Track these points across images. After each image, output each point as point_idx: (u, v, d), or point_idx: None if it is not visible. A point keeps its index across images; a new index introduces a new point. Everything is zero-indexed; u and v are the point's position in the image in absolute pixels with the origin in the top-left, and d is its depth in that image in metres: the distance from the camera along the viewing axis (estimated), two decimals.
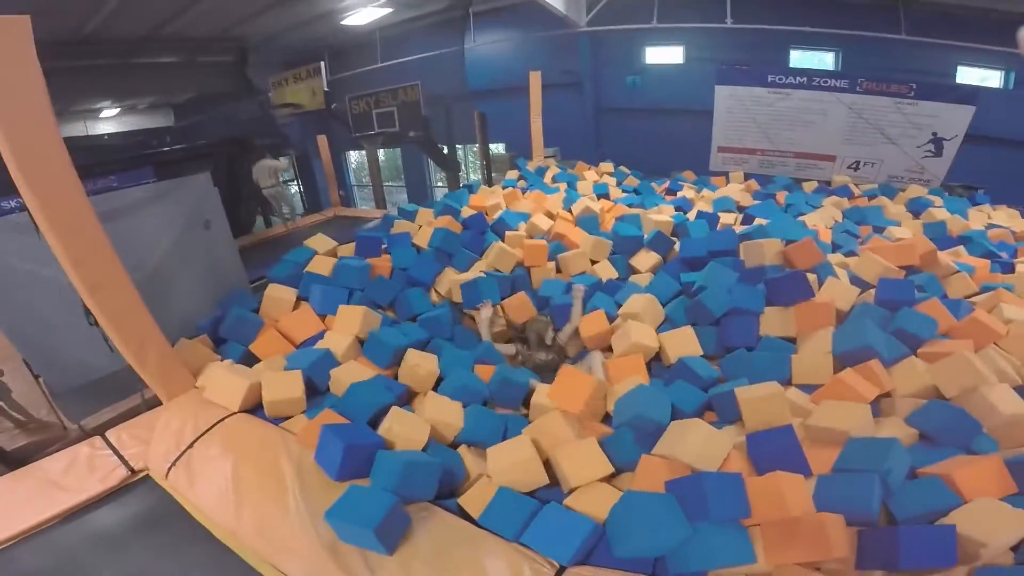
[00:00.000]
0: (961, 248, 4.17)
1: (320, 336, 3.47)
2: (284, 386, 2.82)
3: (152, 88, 9.88)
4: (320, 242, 4.49)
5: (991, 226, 4.98)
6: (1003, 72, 7.06)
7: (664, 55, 8.82)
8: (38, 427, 3.25)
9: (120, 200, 3.53)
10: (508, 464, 2.27)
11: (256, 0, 7.56)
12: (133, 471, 2.67)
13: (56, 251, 2.49)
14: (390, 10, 9.05)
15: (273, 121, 10.19)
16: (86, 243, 2.55)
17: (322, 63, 9.56)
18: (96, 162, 8.14)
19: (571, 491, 2.18)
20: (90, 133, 10.13)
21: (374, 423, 2.57)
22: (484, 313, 3.66)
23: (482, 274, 4.10)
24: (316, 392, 3.03)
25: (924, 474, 2.00)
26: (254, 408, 2.88)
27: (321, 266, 4.10)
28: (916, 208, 5.48)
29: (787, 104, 7.50)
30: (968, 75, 7.19)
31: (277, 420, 2.80)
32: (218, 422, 2.73)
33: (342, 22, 9.17)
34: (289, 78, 10.07)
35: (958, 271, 3.57)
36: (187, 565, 2.21)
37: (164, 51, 8.73)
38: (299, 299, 3.88)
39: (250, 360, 3.35)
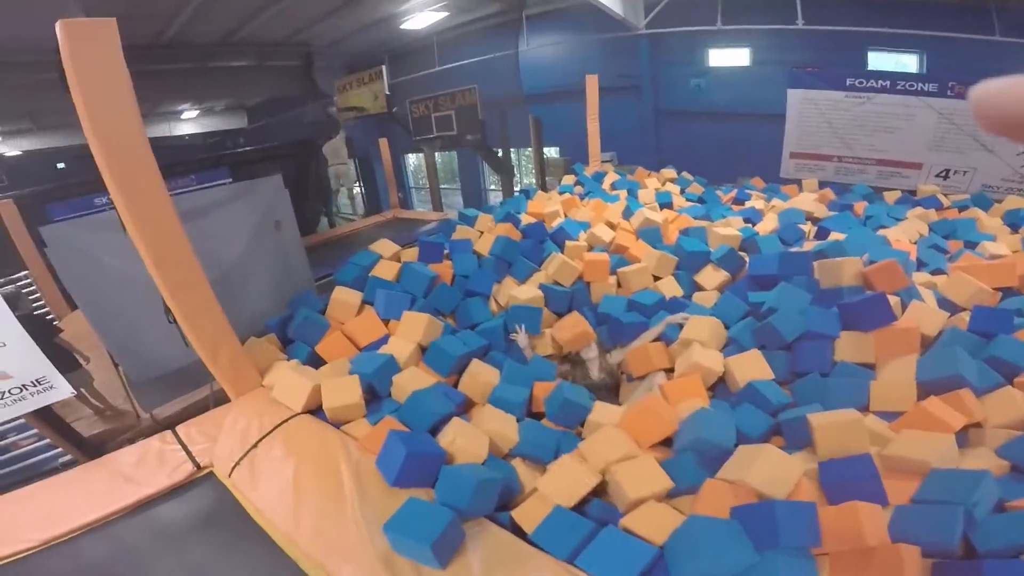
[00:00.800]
0: None
1: (384, 340, 3.58)
2: (343, 392, 2.89)
3: (227, 91, 10.52)
4: (384, 246, 4.63)
5: None
6: None
7: (729, 57, 8.49)
8: (114, 415, 3.60)
9: (199, 200, 3.81)
10: (562, 481, 2.26)
11: (321, 4, 7.91)
12: (199, 467, 2.74)
13: (140, 249, 2.64)
14: (446, 14, 9.24)
15: (338, 124, 10.63)
16: (168, 242, 2.69)
17: (383, 67, 9.84)
18: (177, 162, 8.79)
19: (627, 511, 2.12)
20: (172, 133, 10.89)
21: (433, 431, 2.63)
22: (520, 340, 3.69)
23: (536, 291, 4.07)
24: (377, 397, 3.12)
25: (1014, 508, 1.88)
26: (317, 409, 2.97)
27: (385, 271, 4.22)
28: (1014, 221, 4.99)
29: (867, 109, 7.01)
30: None
31: (338, 424, 2.87)
32: (282, 423, 2.82)
33: (401, 26, 9.45)
34: (353, 82, 10.45)
35: None
36: (240, 565, 2.25)
37: (237, 55, 9.30)
38: (364, 303, 3.99)
39: (316, 361, 3.46)
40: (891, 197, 6.08)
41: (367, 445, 2.55)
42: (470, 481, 2.08)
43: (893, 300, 3.05)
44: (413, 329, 3.47)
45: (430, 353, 3.32)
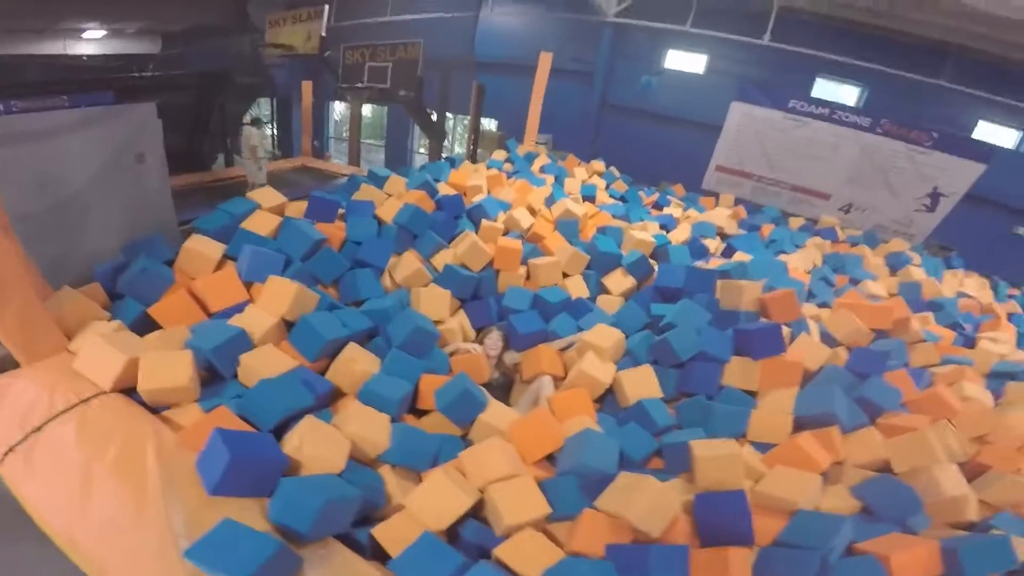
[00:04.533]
0: (931, 315, 4.17)
1: (241, 308, 2.88)
2: (168, 371, 2.26)
3: (143, 13, 9.04)
4: (266, 195, 3.88)
5: (961, 294, 5.02)
6: (1021, 133, 7.07)
7: (685, 61, 8.55)
8: None
9: (38, 123, 3.03)
10: (435, 500, 2.03)
11: None
12: None
13: None
14: None
15: (260, 61, 9.51)
16: None
17: (326, 6, 8.87)
18: (53, 80, 7.41)
19: (504, 534, 1.99)
20: (68, 53, 9.22)
21: (283, 428, 2.20)
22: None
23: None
24: (220, 378, 2.54)
25: (861, 550, 1.99)
26: (134, 387, 2.28)
27: (261, 224, 3.47)
28: (895, 263, 5.46)
29: (801, 133, 7.29)
30: (984, 129, 7.16)
31: (160, 408, 2.28)
32: (80, 403, 2.17)
33: None
34: (288, 18, 9.38)
35: (924, 340, 3.57)
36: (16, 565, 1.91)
37: None
38: (226, 258, 3.24)
39: (149, 325, 2.72)
40: (795, 223, 6.45)
41: (190, 439, 2.04)
42: (314, 502, 1.72)
43: (784, 331, 3.13)
44: (277, 298, 2.81)
45: (297, 330, 2.74)
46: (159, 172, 3.79)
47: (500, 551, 1.87)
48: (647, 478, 2.11)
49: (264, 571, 1.54)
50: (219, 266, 3.21)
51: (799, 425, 2.67)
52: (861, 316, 3.45)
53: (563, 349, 3.35)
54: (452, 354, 3.23)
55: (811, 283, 4.40)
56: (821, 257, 5.29)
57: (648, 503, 2.01)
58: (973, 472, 2.56)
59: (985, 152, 6.60)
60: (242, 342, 2.57)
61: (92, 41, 9.55)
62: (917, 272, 5.13)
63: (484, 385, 3.06)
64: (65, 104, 6.24)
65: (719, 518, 2.05)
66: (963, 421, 2.77)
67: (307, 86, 9.45)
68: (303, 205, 3.97)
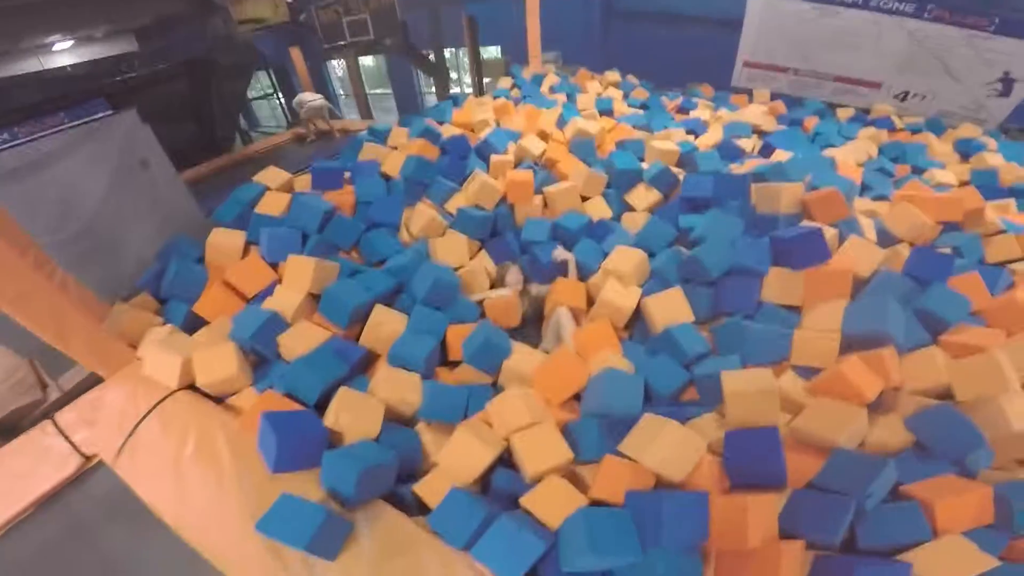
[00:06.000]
0: (1012, 202, 3.55)
1: (272, 290, 3.01)
2: (217, 365, 2.48)
3: (103, 16, 8.81)
4: (271, 175, 3.93)
5: None
6: None
7: None
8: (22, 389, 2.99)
9: (32, 153, 3.09)
10: (461, 456, 2.10)
11: None
12: (87, 457, 2.50)
13: None
14: None
15: (238, 38, 9.26)
16: None
17: None
18: (45, 98, 7.36)
19: (531, 481, 2.03)
20: (45, 67, 9.19)
21: (327, 400, 2.32)
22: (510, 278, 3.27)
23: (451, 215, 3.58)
24: (266, 360, 2.71)
25: (907, 493, 1.86)
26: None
27: (273, 204, 3.58)
28: (966, 150, 4.70)
29: (833, 22, 6.30)
30: None
31: (223, 397, 2.55)
32: (156, 404, 2.49)
33: None
34: None
35: (1004, 231, 3.04)
36: (154, 553, 2.17)
37: None
38: (249, 244, 3.40)
39: (197, 322, 2.97)
40: (844, 115, 5.71)
41: (249, 422, 2.22)
42: (352, 470, 1.89)
43: (830, 233, 2.80)
44: (299, 276, 2.92)
45: (324, 302, 2.82)
46: (167, 172, 3.90)
47: (525, 500, 1.90)
48: (669, 422, 1.98)
49: (318, 537, 1.75)
50: (245, 252, 3.36)
51: (849, 345, 2.33)
52: (925, 208, 3.02)
53: (578, 267, 3.23)
54: (481, 302, 3.16)
55: (866, 175, 3.87)
56: (876, 148, 4.65)
57: (669, 448, 1.92)
58: None
59: None
60: (276, 324, 2.69)
61: (66, 52, 9.48)
62: (993, 157, 4.40)
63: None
64: (64, 121, 6.31)
65: (749, 458, 1.92)
66: None
67: (296, 52, 9.13)
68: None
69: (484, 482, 2.15)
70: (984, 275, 2.57)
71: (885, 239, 2.98)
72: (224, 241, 3.31)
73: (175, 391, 2.55)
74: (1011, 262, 2.94)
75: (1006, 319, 2.38)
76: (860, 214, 3.13)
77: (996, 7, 5.76)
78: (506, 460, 2.19)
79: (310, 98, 7.77)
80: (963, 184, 4.03)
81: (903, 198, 3.18)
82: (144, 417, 2.46)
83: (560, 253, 3.26)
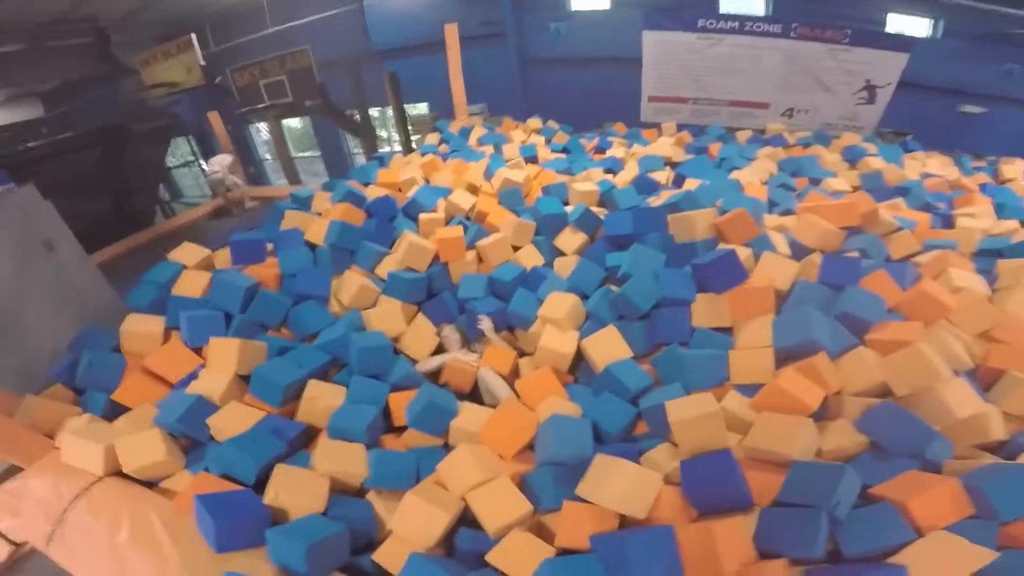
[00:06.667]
0: (900, 200, 3.91)
1: (197, 374, 2.91)
2: (143, 450, 2.41)
3: (4, 78, 8.43)
4: (187, 252, 3.76)
5: (926, 175, 4.77)
6: (931, 20, 6.98)
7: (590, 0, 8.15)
8: None
9: None
10: (415, 521, 2.03)
11: None
12: (17, 544, 2.54)
13: None
14: None
15: (150, 103, 8.99)
16: None
17: (192, 36, 8.34)
18: None
19: (495, 537, 1.99)
20: None
21: (266, 478, 2.25)
22: (485, 327, 3.23)
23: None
24: (198, 443, 2.63)
25: (876, 495, 1.83)
26: None
27: (191, 285, 3.42)
28: (852, 157, 5.22)
29: (718, 51, 7.09)
30: (897, 22, 7.06)
31: (155, 481, 2.46)
32: (82, 492, 2.40)
33: None
34: (157, 54, 8.81)
35: (900, 228, 3.32)
36: None
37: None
38: (170, 329, 3.25)
39: (118, 410, 2.83)
40: (743, 137, 6.18)
41: (185, 505, 2.16)
42: (300, 545, 1.83)
43: (745, 253, 2.94)
44: (224, 359, 2.85)
45: (254, 383, 2.76)
46: (75, 254, 3.63)
47: (491, 556, 1.87)
48: (620, 462, 1.95)
49: None
50: (166, 337, 3.21)
51: (783, 357, 2.41)
52: (827, 216, 3.24)
53: (510, 326, 3.30)
54: (436, 371, 3.11)
55: (770, 192, 4.16)
56: (776, 165, 5.05)
57: (624, 487, 1.88)
58: (988, 379, 2.30)
59: (904, 42, 6.55)
60: (203, 407, 2.61)
61: None
62: (876, 161, 4.89)
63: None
64: None
65: (708, 484, 1.90)
66: (960, 318, 2.48)
67: (214, 116, 8.97)
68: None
69: (448, 543, 2.09)
70: (892, 272, 2.74)
71: (798, 251, 3.16)
72: (140, 329, 3.17)
73: (101, 477, 2.45)
74: (912, 256, 3.19)
75: (921, 310, 2.52)
76: (771, 230, 3.31)
77: (847, 20, 6.61)
78: (469, 519, 2.13)
79: (213, 167, 7.56)
80: (855, 189, 4.40)
81: (807, 210, 3.41)
82: (71, 502, 2.38)
83: (484, 324, 3.24)
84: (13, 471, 2.67)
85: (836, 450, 2.05)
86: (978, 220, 3.67)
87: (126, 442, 2.42)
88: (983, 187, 4.61)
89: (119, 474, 2.46)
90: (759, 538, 1.75)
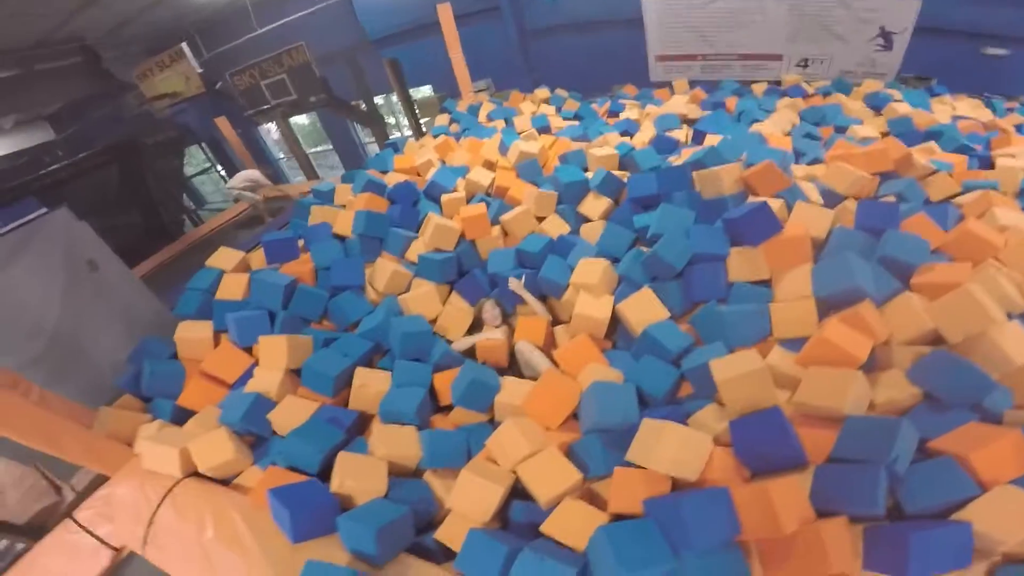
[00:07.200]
0: (933, 144, 3.75)
1: (252, 372, 3.05)
2: (213, 450, 2.55)
3: (6, 105, 8.52)
4: (225, 257, 3.86)
5: (958, 118, 4.55)
6: None
7: None
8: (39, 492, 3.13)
9: None
10: (470, 497, 2.08)
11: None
12: (116, 549, 2.66)
13: None
14: None
15: (156, 115, 9.10)
16: None
17: (183, 44, 8.35)
18: None
19: (547, 508, 2.03)
20: None
21: (329, 467, 2.34)
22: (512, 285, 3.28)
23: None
24: (263, 438, 2.75)
25: (935, 449, 1.79)
26: None
27: (232, 288, 3.54)
28: (876, 103, 5.00)
29: (722, 5, 6.82)
30: None
31: (228, 478, 2.60)
32: (166, 494, 2.58)
33: None
34: (153, 67, 8.85)
35: (937, 171, 3.20)
36: None
37: None
38: (219, 332, 3.38)
39: (185, 414, 2.99)
40: (759, 89, 5.96)
41: (259, 499, 2.26)
42: (369, 530, 1.91)
43: (777, 204, 2.88)
44: (274, 356, 2.95)
45: (306, 375, 2.85)
46: (118, 270, 3.83)
47: (546, 527, 1.91)
48: (668, 424, 1.95)
49: None
50: (217, 340, 3.33)
51: (825, 307, 2.32)
52: (858, 163, 3.15)
53: (542, 294, 3.31)
54: (471, 349, 3.18)
55: (795, 143, 4.05)
56: (797, 115, 4.88)
57: (674, 449, 1.87)
58: None
59: None
60: (263, 404, 2.74)
61: None
62: (902, 107, 4.67)
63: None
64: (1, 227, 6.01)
65: (759, 443, 1.88)
66: (1010, 256, 2.36)
67: (222, 122, 9.03)
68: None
69: (503, 517, 2.14)
70: (932, 214, 2.66)
71: (830, 199, 3.09)
72: (193, 335, 3.30)
73: (181, 479, 2.61)
74: (952, 197, 3.09)
75: (967, 250, 2.44)
76: (800, 180, 3.24)
77: None
78: (521, 491, 2.17)
79: (236, 183, 7.60)
80: (884, 135, 4.24)
81: (836, 158, 3.32)
82: (158, 505, 2.55)
83: (513, 284, 3.27)
84: (98, 481, 2.87)
85: (889, 403, 2.00)
86: (1019, 160, 3.49)
87: (198, 444, 2.57)
88: (1019, 127, 4.39)
89: (195, 474, 2.61)
90: (816, 496, 1.72)
